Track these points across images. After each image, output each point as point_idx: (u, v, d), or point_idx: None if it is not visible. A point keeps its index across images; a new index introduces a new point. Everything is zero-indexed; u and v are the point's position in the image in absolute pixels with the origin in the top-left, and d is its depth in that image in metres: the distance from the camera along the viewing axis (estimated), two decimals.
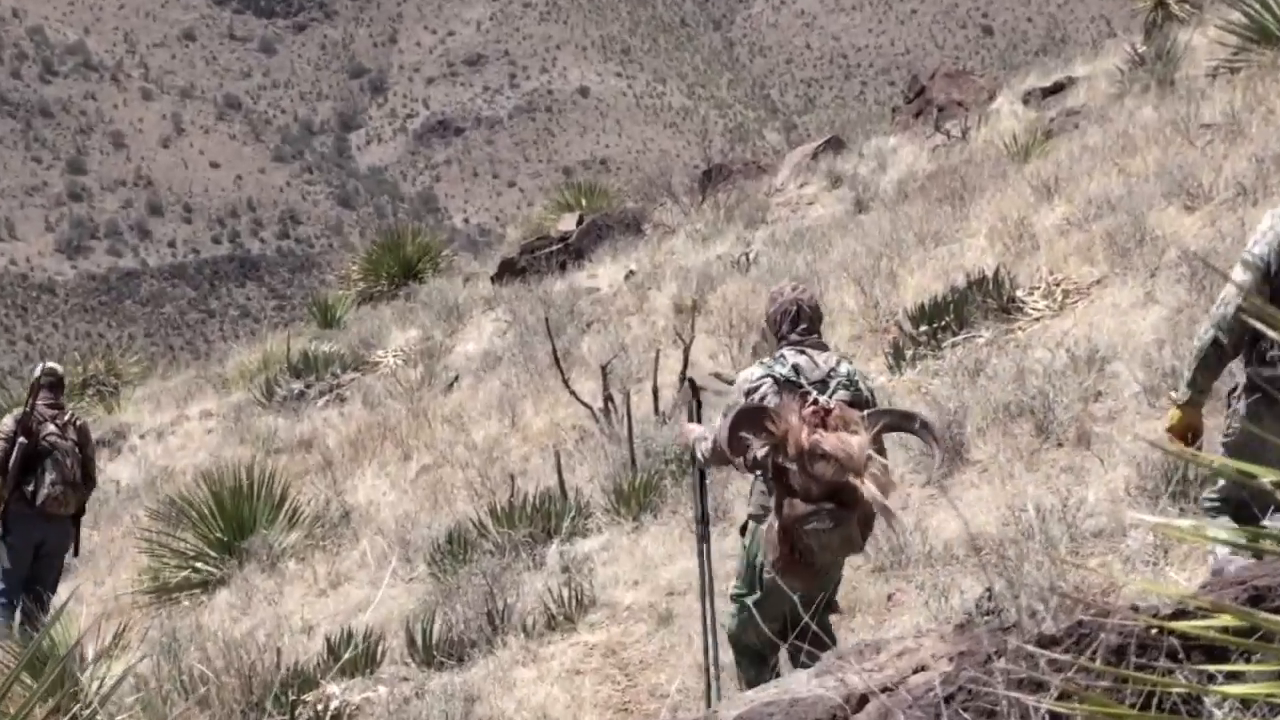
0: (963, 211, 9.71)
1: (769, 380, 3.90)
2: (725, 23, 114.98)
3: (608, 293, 12.27)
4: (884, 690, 2.22)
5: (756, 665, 3.96)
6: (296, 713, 4.94)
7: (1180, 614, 1.99)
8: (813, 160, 14.93)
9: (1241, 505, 3.50)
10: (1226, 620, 1.85)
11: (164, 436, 12.57)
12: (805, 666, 3.17)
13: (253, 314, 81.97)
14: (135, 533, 8.93)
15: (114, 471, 11.56)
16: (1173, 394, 3.89)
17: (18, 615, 6.27)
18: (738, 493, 5.64)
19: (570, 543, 6.36)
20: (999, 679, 1.97)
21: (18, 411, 6.90)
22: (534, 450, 8.48)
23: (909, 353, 7.23)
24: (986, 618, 3.14)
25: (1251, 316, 3.29)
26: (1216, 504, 3.60)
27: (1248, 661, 1.89)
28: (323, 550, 7.71)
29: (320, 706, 5.06)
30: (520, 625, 5.49)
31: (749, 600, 3.92)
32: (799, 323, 4.03)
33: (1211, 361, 3.55)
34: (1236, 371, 3.59)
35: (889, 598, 4.79)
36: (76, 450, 6.84)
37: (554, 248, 14.41)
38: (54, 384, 6.99)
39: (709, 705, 4.10)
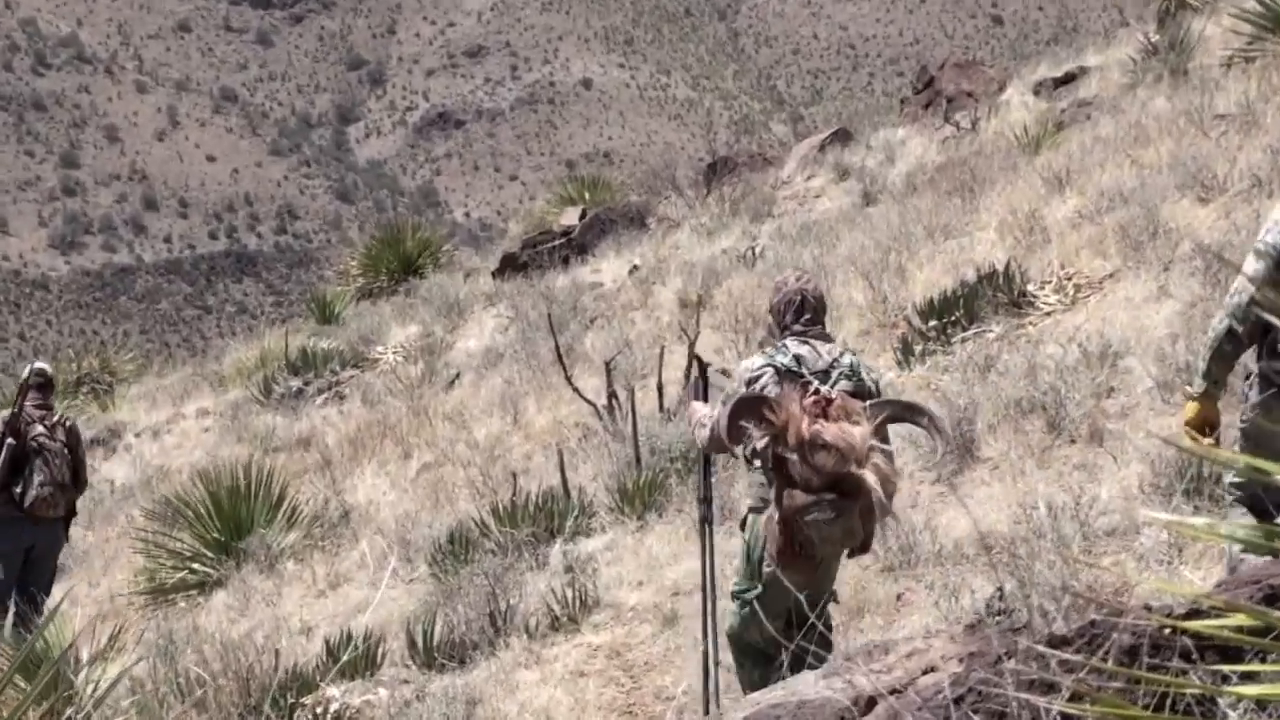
0: (972, 204, 9.68)
1: (770, 370, 3.88)
2: (730, 12, 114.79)
3: (611, 288, 12.23)
4: (892, 692, 2.20)
5: (761, 665, 3.90)
6: (295, 716, 4.93)
7: (1194, 613, 1.98)
8: (820, 152, 14.88)
9: (1256, 499, 3.51)
10: (1241, 620, 1.82)
11: (160, 435, 12.56)
12: (812, 668, 3.16)
13: (250, 310, 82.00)
14: (131, 533, 8.91)
15: (109, 471, 11.55)
16: (1187, 388, 3.87)
17: (9, 619, 6.19)
18: (745, 492, 5.57)
19: (574, 542, 6.34)
20: (1009, 680, 1.96)
21: (5, 413, 6.86)
22: (536, 448, 8.48)
23: (918, 348, 7.20)
24: (997, 618, 3.17)
25: (1263, 309, 3.29)
26: (1238, 491, 3.60)
27: (1263, 661, 1.88)
28: (322, 550, 7.69)
29: (319, 709, 5.02)
30: (523, 626, 5.49)
31: (751, 596, 3.87)
32: (803, 313, 4.01)
33: (1226, 352, 3.55)
34: (1249, 362, 3.59)
35: (898, 598, 4.78)
36: (66, 452, 6.81)
37: (556, 242, 14.37)
38: (43, 385, 6.97)
39: (706, 704, 4.01)
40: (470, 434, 9.19)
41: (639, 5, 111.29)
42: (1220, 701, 1.87)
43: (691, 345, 7.59)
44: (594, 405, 8.00)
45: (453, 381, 11.02)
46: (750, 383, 3.87)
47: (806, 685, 2.42)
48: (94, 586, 8.50)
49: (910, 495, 5.41)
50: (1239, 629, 1.83)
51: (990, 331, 7.06)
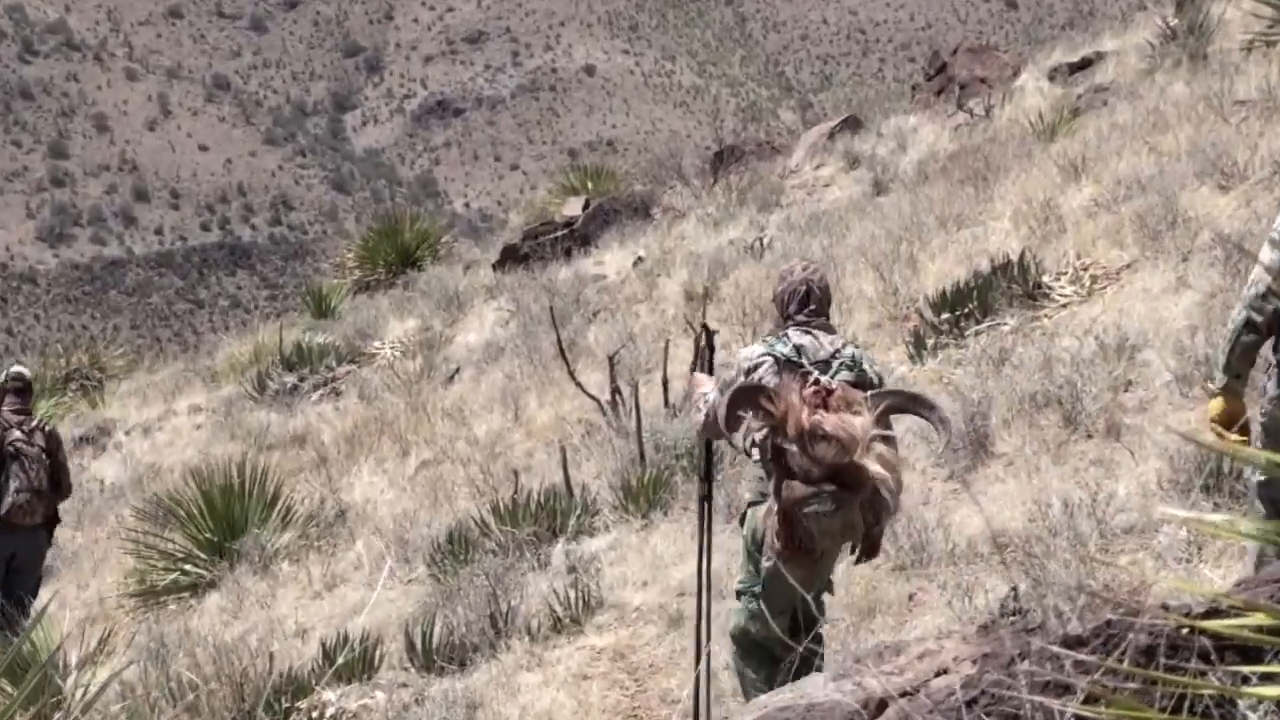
0: (986, 193, 9.64)
1: (769, 359, 3.85)
2: None
3: (615, 280, 12.16)
4: (903, 694, 2.19)
5: (766, 665, 3.84)
6: None
7: (1213, 613, 1.96)
8: (829, 140, 14.76)
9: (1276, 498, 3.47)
10: (1261, 619, 1.79)
11: (151, 432, 12.54)
12: (817, 668, 3.24)
13: (243, 304, 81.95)
14: (121, 533, 8.92)
15: (99, 469, 11.56)
16: (1208, 383, 3.78)
17: None
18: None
19: (576, 542, 6.31)
20: (1023, 682, 1.96)
21: None
22: (538, 445, 8.47)
23: (930, 341, 7.17)
24: (1011, 618, 3.20)
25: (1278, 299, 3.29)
26: (1266, 490, 3.55)
27: None
28: (317, 551, 7.66)
29: (315, 714, 4.99)
30: (524, 628, 5.48)
31: (755, 589, 3.84)
32: (808, 303, 3.99)
33: (1246, 344, 3.52)
34: (1267, 353, 3.56)
35: (910, 597, 4.78)
36: (44, 457, 6.81)
37: (559, 233, 14.27)
38: (21, 389, 6.98)
39: (695, 704, 3.88)
40: (470, 431, 9.17)
41: None
42: (1240, 703, 1.85)
43: (697, 339, 7.48)
44: (597, 401, 7.98)
45: (452, 377, 10.98)
46: (749, 371, 3.84)
47: (815, 687, 2.40)
48: (83, 589, 8.51)
49: (922, 492, 5.37)
50: (1259, 629, 1.79)
51: (1004, 324, 7.03)
